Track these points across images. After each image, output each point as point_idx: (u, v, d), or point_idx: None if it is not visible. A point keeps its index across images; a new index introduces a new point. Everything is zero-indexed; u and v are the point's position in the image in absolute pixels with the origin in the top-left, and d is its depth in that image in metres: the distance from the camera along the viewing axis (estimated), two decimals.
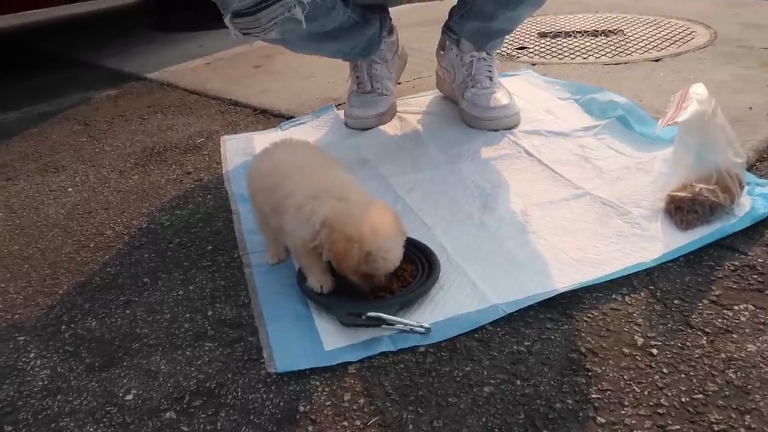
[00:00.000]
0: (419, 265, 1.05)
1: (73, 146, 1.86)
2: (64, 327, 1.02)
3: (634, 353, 0.85)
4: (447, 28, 1.69)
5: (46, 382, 0.90)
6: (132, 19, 3.74)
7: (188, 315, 1.01)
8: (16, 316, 1.07)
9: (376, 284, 0.95)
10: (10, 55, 3.38)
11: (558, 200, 1.23)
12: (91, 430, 0.81)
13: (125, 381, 0.88)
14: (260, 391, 0.84)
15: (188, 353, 0.93)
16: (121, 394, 0.86)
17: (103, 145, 1.83)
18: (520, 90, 1.78)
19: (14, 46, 3.53)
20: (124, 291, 1.10)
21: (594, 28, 2.47)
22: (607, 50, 2.17)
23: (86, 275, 1.16)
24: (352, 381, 0.84)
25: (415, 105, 1.81)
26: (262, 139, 1.70)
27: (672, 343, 0.86)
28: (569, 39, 2.36)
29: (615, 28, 2.44)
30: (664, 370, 0.81)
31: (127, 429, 0.80)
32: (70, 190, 1.55)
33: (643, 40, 2.25)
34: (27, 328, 1.03)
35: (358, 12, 1.57)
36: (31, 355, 0.96)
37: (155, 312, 1.03)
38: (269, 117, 1.92)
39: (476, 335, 0.91)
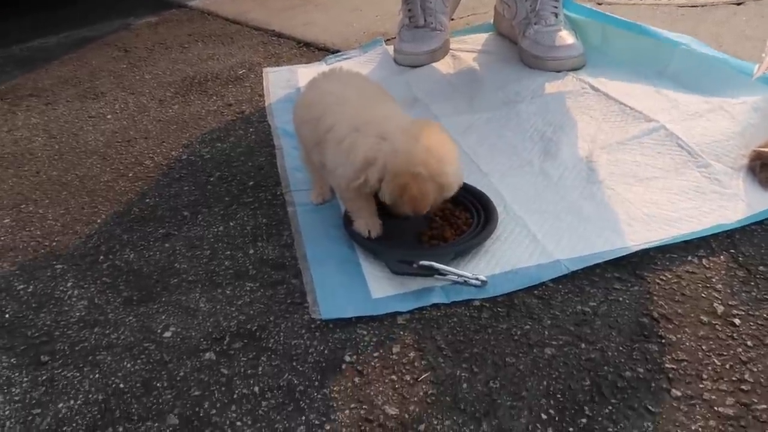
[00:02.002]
0: (474, 213, 0.97)
1: (113, 73, 1.81)
2: (101, 257, 0.99)
3: (714, 322, 0.77)
4: None
5: (83, 314, 0.87)
6: None
7: (229, 252, 0.97)
8: (54, 243, 1.04)
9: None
10: None
11: (628, 139, 1.12)
12: (129, 365, 0.78)
13: (163, 317, 0.85)
14: (303, 337, 0.79)
15: (228, 292, 0.88)
16: (159, 331, 0.83)
17: (143, 73, 1.77)
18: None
19: None
20: (163, 223, 1.06)
21: None
22: None
23: (125, 205, 1.12)
24: (401, 333, 0.79)
25: (470, 43, 1.69)
26: (306, 73, 1.62)
27: (757, 313, 0.77)
28: None
29: None
30: (749, 343, 0.73)
31: (165, 367, 0.77)
32: (109, 117, 1.51)
33: None
34: (65, 256, 1.00)
35: None
36: (69, 285, 0.94)
37: (195, 247, 0.99)
38: (313, 50, 1.83)
39: (536, 292, 0.84)
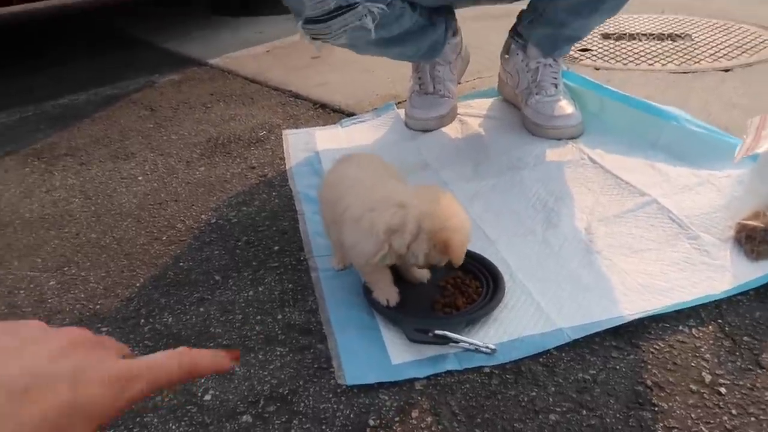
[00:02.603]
0: (483, 282, 1.06)
1: (141, 132, 1.92)
2: (143, 321, 1.08)
3: (702, 391, 0.85)
4: (514, 33, 1.67)
5: None
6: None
7: (259, 317, 1.06)
8: (98, 306, 1.13)
9: None
10: (76, 31, 3.48)
11: (624, 212, 1.23)
12: (174, 427, 0.86)
13: (203, 381, 0.93)
14: (331, 401, 0.88)
15: (260, 357, 0.97)
16: (200, 394, 0.91)
17: (169, 133, 1.89)
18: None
19: (78, 21, 3.62)
20: (197, 288, 1.15)
21: (660, 31, 2.40)
22: (674, 56, 2.11)
23: (160, 269, 1.22)
24: (419, 398, 0.87)
25: (475, 107, 1.81)
26: (323, 136, 1.73)
27: (741, 383, 0.86)
28: (634, 42, 2.31)
29: (682, 32, 2.37)
30: (733, 411, 0.82)
31: (207, 429, 0.85)
32: (140, 178, 1.62)
33: (713, 46, 2.18)
34: (108, 319, 1.09)
35: (425, 15, 1.57)
36: None
37: (227, 312, 1.08)
38: (329, 112, 1.95)
39: (541, 359, 0.92)
